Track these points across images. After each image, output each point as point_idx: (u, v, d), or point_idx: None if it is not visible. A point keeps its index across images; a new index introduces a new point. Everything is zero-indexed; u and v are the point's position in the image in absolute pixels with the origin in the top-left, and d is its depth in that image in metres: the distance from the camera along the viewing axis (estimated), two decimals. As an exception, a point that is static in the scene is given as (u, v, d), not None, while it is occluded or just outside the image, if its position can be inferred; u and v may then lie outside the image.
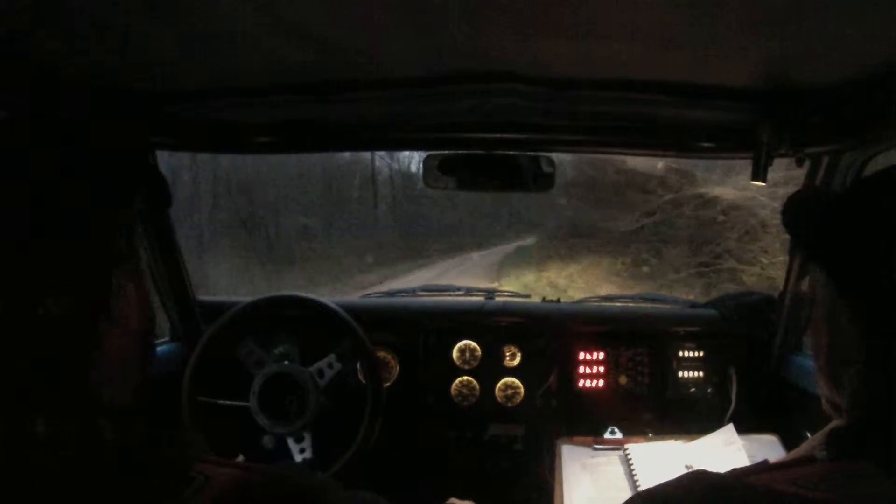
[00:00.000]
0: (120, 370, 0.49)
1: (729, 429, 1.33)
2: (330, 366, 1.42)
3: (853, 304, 0.53)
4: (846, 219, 0.55)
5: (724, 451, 1.27)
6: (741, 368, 1.58)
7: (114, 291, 0.49)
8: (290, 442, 1.39)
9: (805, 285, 1.45)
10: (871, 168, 1.21)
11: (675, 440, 1.36)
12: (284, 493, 0.52)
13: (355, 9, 0.71)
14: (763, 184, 1.15)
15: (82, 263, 0.47)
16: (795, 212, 0.61)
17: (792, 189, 1.06)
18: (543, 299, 1.84)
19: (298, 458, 1.38)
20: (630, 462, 1.24)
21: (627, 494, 1.24)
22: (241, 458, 1.41)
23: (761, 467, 0.61)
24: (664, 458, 1.25)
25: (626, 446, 1.28)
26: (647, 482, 1.17)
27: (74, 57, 0.85)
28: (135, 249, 0.52)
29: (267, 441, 1.38)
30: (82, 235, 0.47)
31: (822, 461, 0.54)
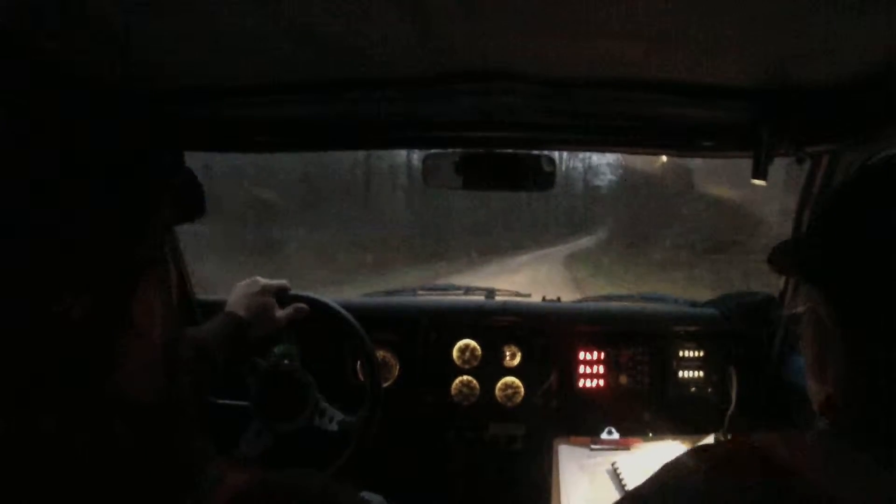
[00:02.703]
0: (139, 376, 0.49)
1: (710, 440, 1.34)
2: (331, 419, 1.42)
3: (836, 306, 0.54)
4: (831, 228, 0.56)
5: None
6: (741, 368, 1.58)
7: (137, 298, 0.48)
8: (320, 421, 1.40)
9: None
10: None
11: (673, 440, 1.36)
12: (299, 499, 0.52)
13: (355, 8, 0.71)
14: (763, 183, 1.15)
15: (102, 266, 0.46)
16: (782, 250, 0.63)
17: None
18: (544, 298, 1.84)
19: (334, 426, 1.39)
20: (620, 476, 1.23)
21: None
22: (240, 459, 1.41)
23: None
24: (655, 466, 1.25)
25: (614, 462, 1.27)
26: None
27: (74, 57, 0.85)
28: (162, 257, 0.52)
29: (265, 441, 1.38)
30: (102, 237, 0.46)
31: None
